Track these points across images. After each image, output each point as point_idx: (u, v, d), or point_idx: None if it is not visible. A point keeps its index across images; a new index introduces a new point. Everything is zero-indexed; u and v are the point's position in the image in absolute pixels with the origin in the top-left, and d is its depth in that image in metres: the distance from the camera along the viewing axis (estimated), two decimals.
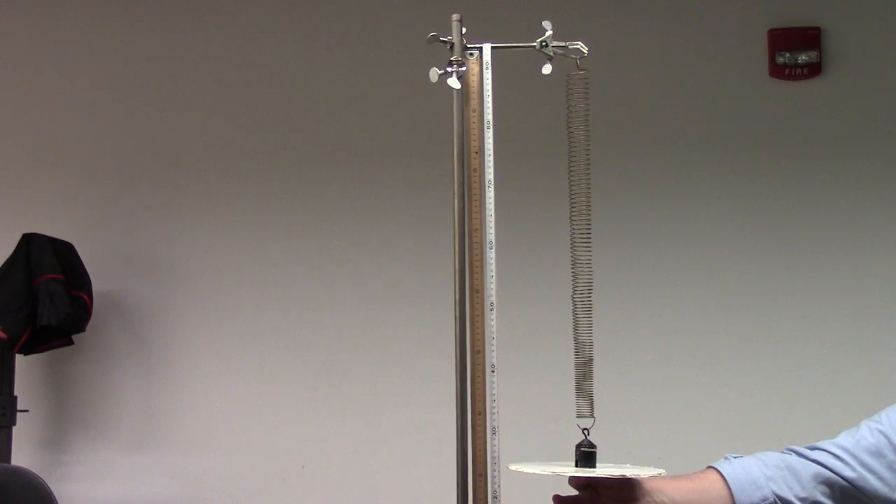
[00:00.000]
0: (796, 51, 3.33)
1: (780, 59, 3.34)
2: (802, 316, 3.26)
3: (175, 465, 3.44)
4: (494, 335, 1.73)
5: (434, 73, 1.82)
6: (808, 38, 3.34)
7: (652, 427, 3.27)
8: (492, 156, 1.78)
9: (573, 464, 1.67)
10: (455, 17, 1.85)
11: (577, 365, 1.72)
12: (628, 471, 1.63)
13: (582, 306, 1.70)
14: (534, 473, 1.65)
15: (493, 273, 1.75)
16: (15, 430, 3.25)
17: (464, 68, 1.82)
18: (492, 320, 1.74)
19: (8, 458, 3.18)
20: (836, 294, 3.26)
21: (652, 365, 3.29)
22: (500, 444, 1.71)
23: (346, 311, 3.45)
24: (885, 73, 3.34)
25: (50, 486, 2.17)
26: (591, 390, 1.72)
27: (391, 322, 3.41)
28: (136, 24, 3.68)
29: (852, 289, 3.25)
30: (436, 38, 1.84)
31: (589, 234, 1.69)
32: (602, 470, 1.65)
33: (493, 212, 1.77)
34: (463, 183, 1.81)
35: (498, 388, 1.72)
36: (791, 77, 3.34)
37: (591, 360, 1.70)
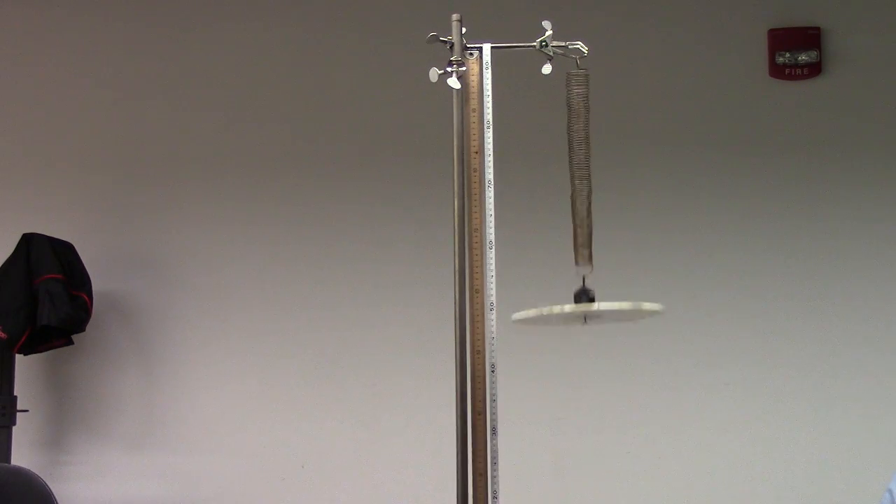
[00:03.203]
0: (796, 51, 3.33)
1: (780, 59, 3.34)
2: (802, 315, 3.26)
3: (175, 465, 3.44)
4: (494, 335, 1.73)
5: (434, 73, 1.82)
6: (808, 38, 3.34)
7: (652, 427, 3.27)
8: (492, 156, 1.79)
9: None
10: (455, 17, 1.85)
11: (575, 217, 1.72)
12: (628, 304, 1.63)
13: (580, 174, 1.70)
14: (536, 316, 1.65)
15: (493, 273, 1.75)
16: (15, 430, 3.25)
17: (464, 68, 1.83)
18: (492, 320, 1.74)
19: (8, 458, 3.18)
20: (836, 293, 3.26)
21: (651, 365, 3.29)
22: (500, 444, 1.71)
23: (346, 311, 3.44)
24: (885, 73, 3.34)
25: (50, 486, 2.17)
26: (589, 240, 1.72)
27: (391, 322, 3.41)
28: (137, 24, 3.68)
29: (852, 288, 3.25)
30: (436, 38, 1.84)
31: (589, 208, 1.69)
32: (603, 303, 1.66)
33: (493, 212, 1.77)
34: (463, 183, 1.81)
35: (498, 388, 1.72)
36: (791, 77, 3.34)
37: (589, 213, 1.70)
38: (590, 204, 1.74)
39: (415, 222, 3.42)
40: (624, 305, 1.66)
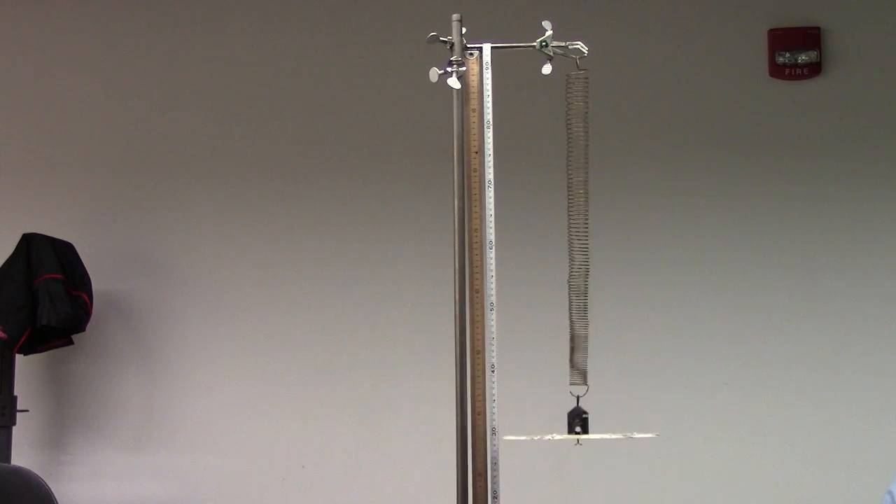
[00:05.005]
0: (796, 51, 3.33)
1: (780, 59, 3.34)
2: (802, 314, 3.26)
3: (175, 465, 3.44)
4: (494, 335, 1.73)
5: (434, 73, 1.82)
6: (808, 38, 3.34)
7: (652, 427, 3.27)
8: (492, 156, 1.79)
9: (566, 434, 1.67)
10: (455, 17, 1.85)
11: (570, 338, 1.72)
12: (623, 435, 1.63)
13: (576, 289, 1.70)
14: (530, 440, 1.65)
15: (493, 273, 1.75)
16: (15, 430, 3.25)
17: (464, 68, 1.83)
18: (492, 320, 1.74)
19: (8, 458, 3.18)
20: (836, 293, 3.25)
21: (650, 364, 3.29)
22: (500, 444, 1.71)
23: (346, 311, 3.44)
24: (885, 73, 3.34)
25: (50, 486, 2.17)
26: (584, 362, 1.72)
27: (391, 322, 3.41)
28: (137, 25, 3.68)
29: (852, 287, 3.25)
30: (436, 38, 1.84)
31: (586, 224, 1.69)
32: (598, 435, 1.66)
33: (493, 212, 1.77)
34: (463, 183, 1.81)
35: (498, 388, 1.72)
36: (791, 77, 3.34)
37: (584, 336, 1.69)
38: (586, 311, 1.73)
39: (415, 222, 3.42)
40: (616, 436, 1.66)
